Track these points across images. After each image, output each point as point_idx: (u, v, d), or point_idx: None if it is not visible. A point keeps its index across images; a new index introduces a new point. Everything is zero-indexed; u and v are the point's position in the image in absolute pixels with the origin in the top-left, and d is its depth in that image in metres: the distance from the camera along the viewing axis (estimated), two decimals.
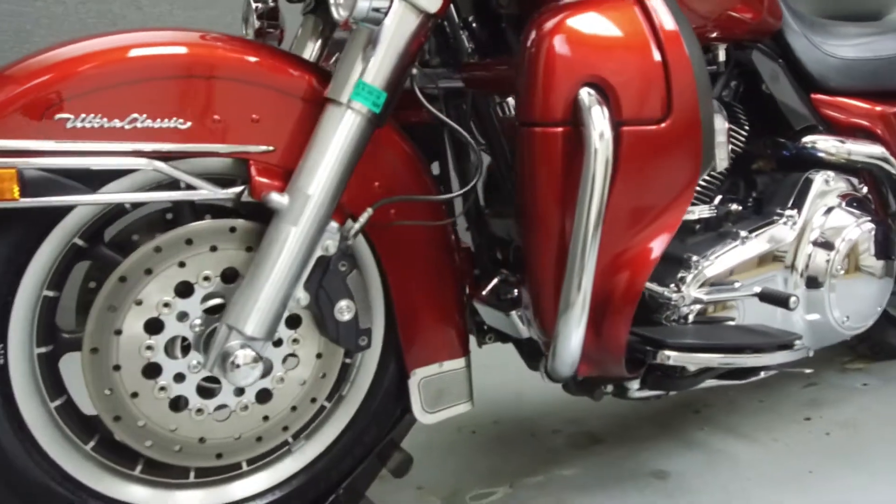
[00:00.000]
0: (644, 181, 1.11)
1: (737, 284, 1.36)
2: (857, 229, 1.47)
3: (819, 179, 1.47)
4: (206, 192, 1.05)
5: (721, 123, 1.33)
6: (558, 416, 1.85)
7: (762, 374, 1.58)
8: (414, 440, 1.34)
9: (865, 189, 1.56)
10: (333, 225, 1.09)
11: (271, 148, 1.08)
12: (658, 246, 1.12)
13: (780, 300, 1.34)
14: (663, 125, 1.09)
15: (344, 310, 1.14)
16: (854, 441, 1.64)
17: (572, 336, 1.08)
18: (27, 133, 0.95)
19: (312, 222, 1.05)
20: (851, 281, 1.48)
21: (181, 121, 1.02)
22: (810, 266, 1.45)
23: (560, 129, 1.05)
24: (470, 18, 1.28)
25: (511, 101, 1.27)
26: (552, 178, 1.05)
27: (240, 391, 1.14)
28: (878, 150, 1.54)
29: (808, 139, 1.53)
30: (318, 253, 1.09)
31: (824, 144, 1.52)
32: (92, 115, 0.98)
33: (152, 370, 1.08)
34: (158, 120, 1.01)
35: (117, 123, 0.99)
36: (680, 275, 1.32)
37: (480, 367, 1.33)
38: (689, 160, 1.13)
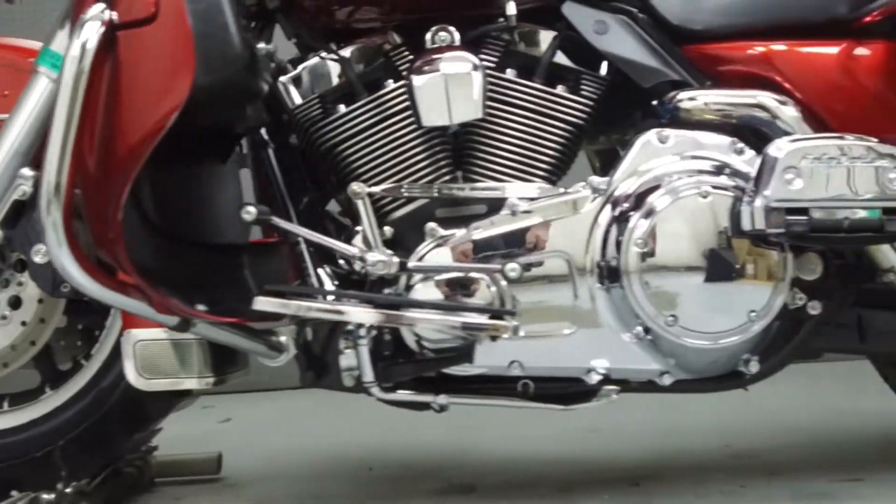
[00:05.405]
0: (136, 81, 1.09)
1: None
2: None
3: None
4: None
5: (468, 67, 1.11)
6: None
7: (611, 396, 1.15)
8: None
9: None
10: (27, 172, 1.22)
11: None
12: (143, 148, 1.06)
13: None
14: (151, 25, 1.08)
15: (39, 253, 1.23)
16: None
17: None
18: None
19: (3, 166, 1.21)
20: None
21: None
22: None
23: None
24: None
25: None
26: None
27: None
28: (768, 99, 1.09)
29: (670, 96, 1.16)
30: (15, 196, 1.23)
31: (691, 101, 1.14)
32: None
33: None
34: None
35: None
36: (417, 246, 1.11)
37: None
38: (180, 61, 1.07)
